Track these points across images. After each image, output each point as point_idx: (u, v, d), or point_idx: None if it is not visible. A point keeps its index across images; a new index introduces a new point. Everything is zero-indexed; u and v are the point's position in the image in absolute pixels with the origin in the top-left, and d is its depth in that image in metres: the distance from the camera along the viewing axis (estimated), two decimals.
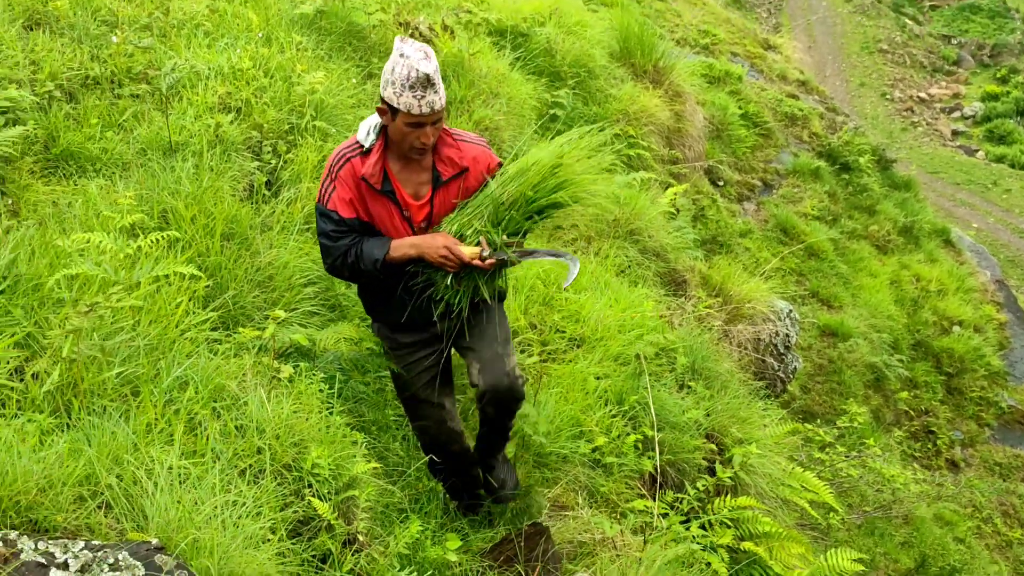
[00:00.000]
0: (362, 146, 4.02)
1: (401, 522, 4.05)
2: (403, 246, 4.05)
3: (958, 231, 18.39)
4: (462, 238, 4.08)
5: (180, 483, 3.24)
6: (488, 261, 4.02)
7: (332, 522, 3.60)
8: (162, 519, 3.08)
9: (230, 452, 3.61)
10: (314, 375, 4.26)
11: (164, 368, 3.82)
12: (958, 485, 12.77)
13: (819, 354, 12.44)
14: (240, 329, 4.36)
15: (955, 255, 16.80)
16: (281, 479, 3.68)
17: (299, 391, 4.04)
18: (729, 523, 5.63)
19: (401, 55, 3.80)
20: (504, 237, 4.09)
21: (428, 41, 7.97)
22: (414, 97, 3.79)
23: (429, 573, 3.69)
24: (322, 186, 4.03)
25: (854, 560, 6.59)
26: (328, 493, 3.69)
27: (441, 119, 3.96)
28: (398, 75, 3.77)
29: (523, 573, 4.24)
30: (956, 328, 14.55)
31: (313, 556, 3.55)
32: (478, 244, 4.04)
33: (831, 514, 7.71)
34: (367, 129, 4.03)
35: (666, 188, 9.67)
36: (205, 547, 3.03)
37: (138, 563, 2.75)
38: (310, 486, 3.69)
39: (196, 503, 3.19)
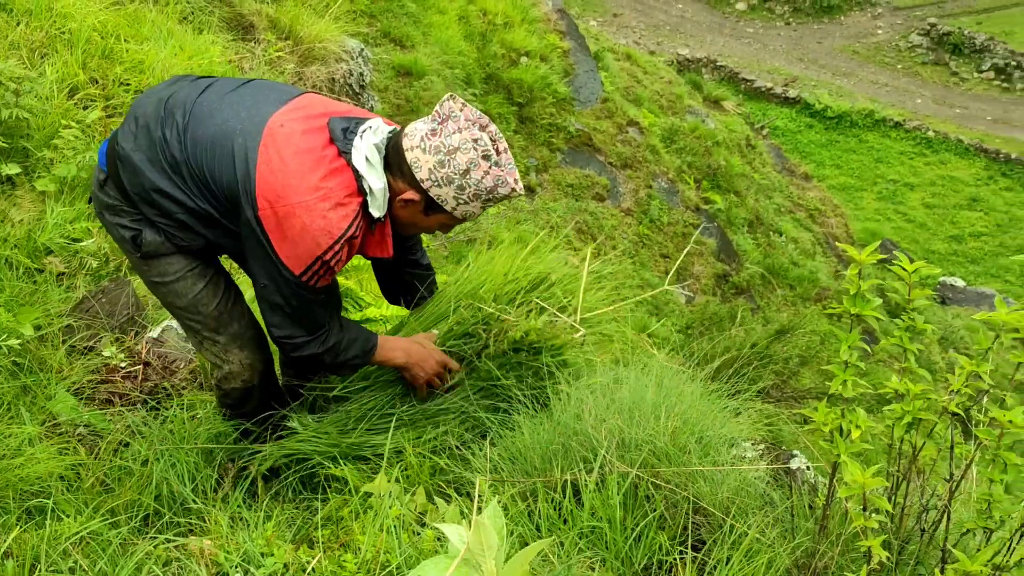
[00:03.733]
0: (369, 216, 3.05)
1: None
2: (390, 350, 3.43)
3: None
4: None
5: None
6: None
7: None
8: None
9: None
10: None
11: None
12: (534, 208, 13.51)
13: (396, 94, 12.55)
14: None
15: None
16: None
17: None
18: None
19: (487, 158, 2.96)
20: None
21: None
22: (481, 208, 3.07)
23: (4, 337, 3.52)
24: (301, 265, 2.97)
25: (443, 283, 6.90)
26: None
27: None
28: (477, 183, 2.98)
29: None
30: (524, 59, 15.04)
31: None
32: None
33: None
34: (379, 194, 3.03)
35: None
36: None
37: None
38: None
39: None
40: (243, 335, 3.46)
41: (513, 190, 3.03)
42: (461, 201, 3.01)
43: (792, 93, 31.11)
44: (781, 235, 17.56)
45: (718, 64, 31.88)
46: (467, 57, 14.08)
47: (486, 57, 14.57)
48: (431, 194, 3.01)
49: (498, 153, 3.01)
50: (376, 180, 3.01)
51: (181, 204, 3.04)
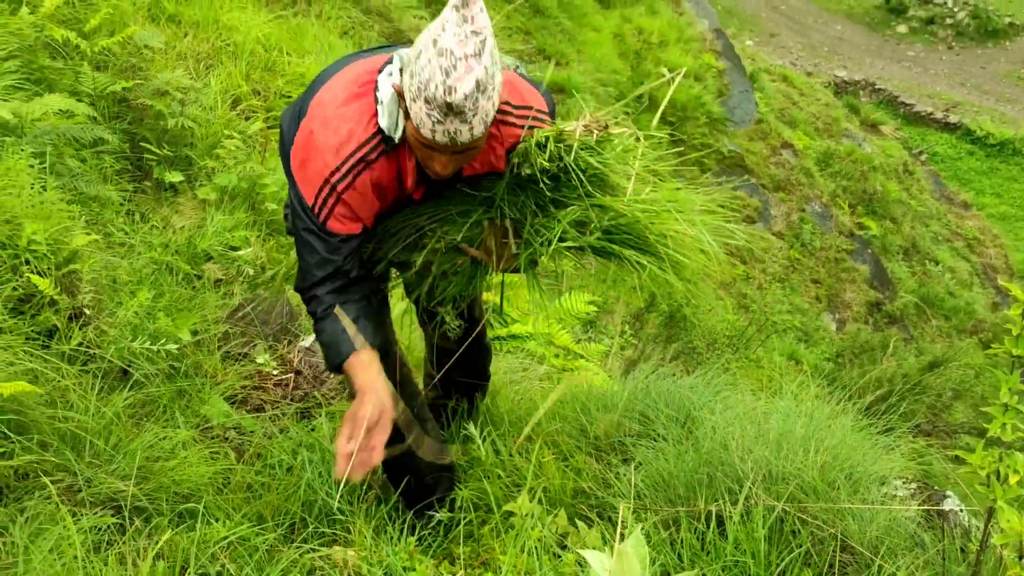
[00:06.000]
0: (384, 137, 2.67)
1: (131, 295, 3.94)
2: (356, 371, 2.76)
3: None
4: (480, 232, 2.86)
5: None
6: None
7: (55, 297, 3.46)
8: None
9: None
10: (23, 151, 4.01)
11: None
12: None
13: None
14: None
15: (674, 6, 17.10)
16: None
17: (7, 168, 3.81)
18: None
19: (436, 43, 2.35)
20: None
21: None
22: (428, 116, 2.41)
23: (163, 342, 3.62)
24: (312, 191, 2.69)
25: (588, 302, 6.89)
26: (48, 269, 3.55)
27: (475, 149, 2.60)
28: (422, 73, 2.38)
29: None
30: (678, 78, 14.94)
31: (38, 333, 3.42)
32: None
33: None
34: (389, 106, 2.65)
35: None
36: None
37: None
38: (28, 263, 3.53)
39: None
40: None
41: (450, 90, 2.36)
42: (411, 96, 2.44)
43: (953, 119, 30.20)
44: (937, 264, 17.09)
45: (877, 87, 31.14)
46: (620, 75, 14.07)
47: (640, 75, 14.54)
48: (403, 84, 2.52)
49: (447, 38, 2.36)
50: (386, 89, 2.64)
51: None
